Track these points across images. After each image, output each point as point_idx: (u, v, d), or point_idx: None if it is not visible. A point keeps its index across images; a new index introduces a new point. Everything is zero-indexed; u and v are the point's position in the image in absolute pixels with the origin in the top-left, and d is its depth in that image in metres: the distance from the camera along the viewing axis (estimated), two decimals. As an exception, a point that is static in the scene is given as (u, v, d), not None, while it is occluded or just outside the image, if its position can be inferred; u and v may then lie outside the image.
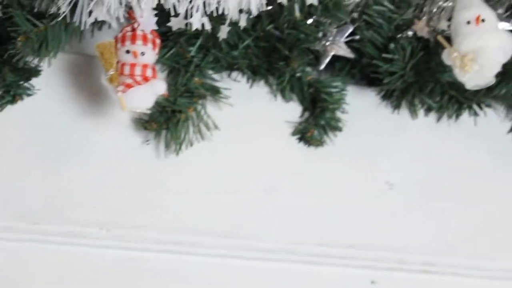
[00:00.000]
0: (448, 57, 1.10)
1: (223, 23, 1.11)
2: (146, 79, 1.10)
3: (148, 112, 1.15)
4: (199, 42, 1.16)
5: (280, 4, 1.11)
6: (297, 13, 1.13)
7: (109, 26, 1.12)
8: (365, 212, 1.20)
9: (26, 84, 1.15)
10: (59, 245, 1.15)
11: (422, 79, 1.18)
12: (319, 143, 1.20)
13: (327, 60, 1.18)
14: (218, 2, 1.07)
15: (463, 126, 1.22)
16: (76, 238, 1.15)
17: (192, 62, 1.17)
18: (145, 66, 1.09)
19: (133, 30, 1.10)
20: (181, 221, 1.17)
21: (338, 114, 1.19)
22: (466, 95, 1.19)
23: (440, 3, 1.17)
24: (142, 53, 1.09)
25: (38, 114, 1.17)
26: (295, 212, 1.19)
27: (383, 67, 1.16)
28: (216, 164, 1.19)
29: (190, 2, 1.07)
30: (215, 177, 1.18)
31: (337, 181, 1.20)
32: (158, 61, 1.14)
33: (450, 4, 1.16)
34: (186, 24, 1.09)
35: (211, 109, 1.19)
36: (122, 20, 1.10)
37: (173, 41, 1.17)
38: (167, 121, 1.16)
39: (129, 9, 1.10)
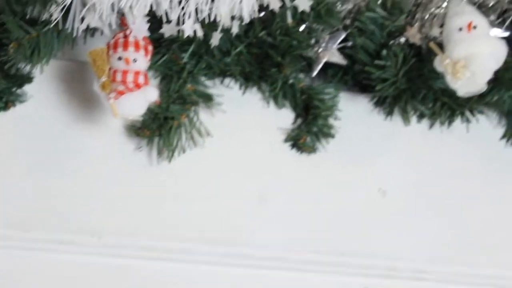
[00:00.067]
0: (440, 64, 1.10)
1: (216, 30, 1.11)
2: (138, 85, 1.09)
3: (141, 118, 1.15)
4: (191, 48, 1.16)
5: (272, 11, 1.11)
6: (289, 20, 1.13)
7: (102, 33, 1.12)
8: (357, 219, 1.20)
9: (18, 91, 1.15)
10: (50, 252, 1.15)
11: (414, 85, 1.18)
12: (311, 150, 1.20)
13: (320, 66, 1.18)
14: (210, 9, 1.08)
15: (455, 132, 1.22)
16: (68, 245, 1.15)
17: (185, 68, 1.17)
18: (137, 73, 1.09)
19: (125, 36, 1.10)
20: (173, 228, 1.17)
21: (331, 120, 1.19)
22: (459, 102, 1.19)
23: (432, 9, 1.17)
24: (134, 60, 1.09)
25: (31, 120, 1.16)
26: (288, 219, 1.19)
27: (375, 74, 1.16)
28: (209, 171, 1.18)
29: (182, 8, 1.08)
30: (207, 184, 1.18)
31: (329, 188, 1.20)
32: (150, 68, 1.14)
33: (442, 10, 1.16)
34: (179, 31, 1.10)
35: (203, 115, 1.19)
36: (114, 26, 1.11)
37: (165, 48, 1.16)
38: (159, 128, 1.16)
39: (121, 15, 1.10)
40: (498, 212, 1.23)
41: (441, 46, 1.12)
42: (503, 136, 1.23)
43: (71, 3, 1.07)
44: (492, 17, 1.17)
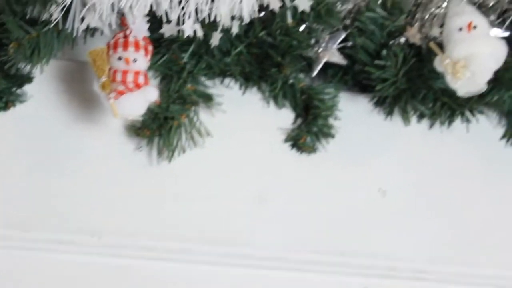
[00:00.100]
0: (440, 64, 1.10)
1: (216, 30, 1.11)
2: (138, 85, 1.09)
3: (141, 118, 1.15)
4: (191, 48, 1.16)
5: (272, 11, 1.11)
6: (289, 20, 1.13)
7: (102, 33, 1.12)
8: (357, 219, 1.20)
9: (18, 91, 1.15)
10: (50, 252, 1.15)
11: (414, 85, 1.18)
12: (311, 149, 1.20)
13: (320, 66, 1.18)
14: (210, 9, 1.08)
15: (455, 132, 1.22)
16: (68, 245, 1.15)
17: (185, 68, 1.17)
18: (137, 73, 1.09)
19: (125, 36, 1.10)
20: (173, 228, 1.17)
21: (331, 120, 1.19)
22: (459, 102, 1.19)
23: (432, 9, 1.17)
24: (134, 60, 1.09)
25: (31, 120, 1.16)
26: (287, 219, 1.19)
27: (375, 74, 1.16)
28: (209, 171, 1.18)
29: (182, 8, 1.08)
30: (207, 184, 1.18)
31: (329, 188, 1.20)
32: (150, 68, 1.14)
33: (442, 10, 1.16)
34: (179, 31, 1.10)
35: (203, 115, 1.19)
36: (114, 26, 1.11)
37: (165, 48, 1.16)
38: (159, 128, 1.16)
39: (121, 15, 1.10)
40: (498, 212, 1.23)
41: (441, 46, 1.11)
42: (503, 136, 1.23)
43: (71, 3, 1.07)
44: (492, 17, 1.17)
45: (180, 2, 1.07)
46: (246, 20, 1.09)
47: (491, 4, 1.16)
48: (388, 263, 1.20)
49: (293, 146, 1.20)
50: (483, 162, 1.23)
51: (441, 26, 1.13)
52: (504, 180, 1.24)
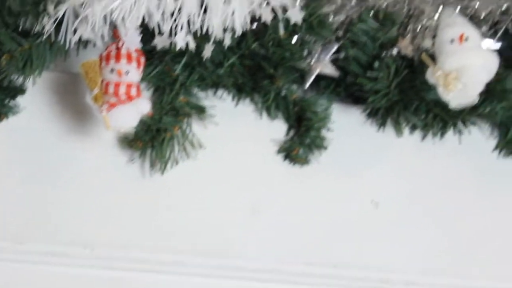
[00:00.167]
0: (432, 75, 1.10)
1: (208, 42, 1.11)
2: (130, 98, 1.09)
3: (133, 130, 1.15)
4: (184, 60, 1.16)
5: (264, 23, 1.11)
6: (282, 32, 1.13)
7: (94, 45, 1.12)
8: (350, 231, 1.20)
9: (11, 103, 1.15)
10: (43, 264, 1.15)
11: (406, 97, 1.18)
12: (304, 161, 1.20)
13: (312, 78, 1.18)
14: (202, 21, 1.08)
15: (448, 144, 1.22)
16: (60, 257, 1.15)
17: (178, 80, 1.17)
18: (129, 85, 1.09)
19: (118, 48, 1.10)
20: (165, 240, 1.16)
21: (323, 132, 1.19)
22: (451, 114, 1.18)
23: (424, 21, 1.17)
24: (127, 72, 1.09)
25: (23, 132, 1.16)
26: (280, 231, 1.19)
27: (367, 85, 1.16)
28: (202, 183, 1.18)
29: (175, 20, 1.08)
30: (200, 196, 1.18)
31: (322, 200, 1.20)
32: (143, 79, 1.14)
33: (434, 22, 1.16)
34: (171, 43, 1.10)
35: (196, 127, 1.19)
36: (106, 38, 1.11)
37: (158, 60, 1.17)
38: (152, 140, 1.16)
39: (113, 27, 1.10)
40: (491, 224, 1.23)
41: (433, 57, 1.11)
42: (496, 148, 1.23)
43: (63, 15, 1.08)
44: (484, 29, 1.17)
45: (172, 14, 1.07)
46: (239, 32, 1.10)
47: (482, 16, 1.17)
48: (380, 275, 1.20)
49: (285, 157, 1.20)
50: (475, 173, 1.23)
51: (433, 37, 1.13)
52: (496, 192, 1.24)
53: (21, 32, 1.10)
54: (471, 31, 1.10)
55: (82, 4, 1.07)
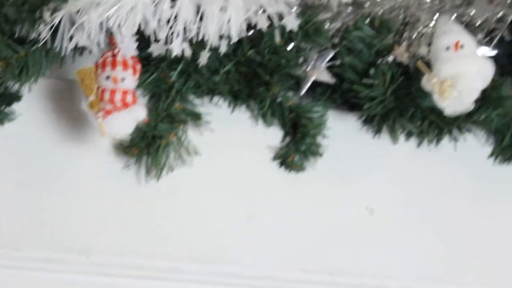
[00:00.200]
0: (428, 82, 1.10)
1: (204, 49, 1.11)
2: (126, 105, 1.09)
3: (129, 137, 1.15)
4: (180, 67, 1.16)
5: (260, 30, 1.12)
6: (278, 39, 1.13)
7: (90, 52, 1.13)
8: (345, 237, 1.20)
9: (7, 109, 1.15)
10: (39, 271, 1.15)
11: (402, 104, 1.18)
12: (300, 168, 1.20)
13: (308, 85, 1.18)
14: (198, 28, 1.08)
15: (443, 151, 1.22)
16: (56, 264, 1.15)
17: (173, 87, 1.17)
18: (125, 92, 1.09)
19: (114, 55, 1.10)
20: (161, 247, 1.16)
21: (319, 139, 1.19)
22: (447, 120, 1.18)
23: (420, 28, 1.17)
24: (122, 79, 1.09)
25: (19, 139, 1.16)
26: (276, 238, 1.19)
27: (363, 92, 1.16)
28: (197, 189, 1.18)
29: (171, 28, 1.08)
30: (196, 202, 1.18)
31: (318, 207, 1.20)
32: (139, 86, 1.15)
33: (430, 29, 1.16)
34: (167, 50, 1.10)
35: (192, 134, 1.19)
36: (102, 45, 1.11)
37: (154, 66, 1.17)
38: (148, 147, 1.16)
39: (109, 34, 1.10)
40: (486, 231, 1.23)
41: (429, 65, 1.12)
42: (491, 155, 1.23)
43: (59, 22, 1.08)
44: (480, 36, 1.17)
45: (168, 21, 1.08)
46: (234, 39, 1.10)
47: (478, 23, 1.17)
48: (376, 282, 1.20)
49: (281, 164, 1.20)
50: (471, 180, 1.23)
51: (429, 45, 1.13)
52: (492, 199, 1.24)
53: (17, 39, 1.10)
54: (466, 39, 1.10)
55: (78, 11, 1.07)
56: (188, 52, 1.10)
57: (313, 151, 1.19)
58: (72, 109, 1.16)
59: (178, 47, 1.09)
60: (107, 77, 1.09)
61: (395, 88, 1.17)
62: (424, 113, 1.19)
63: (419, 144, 1.23)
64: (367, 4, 1.17)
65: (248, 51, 1.16)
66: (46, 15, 1.06)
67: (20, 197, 1.15)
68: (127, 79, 1.10)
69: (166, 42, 1.09)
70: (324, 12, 1.16)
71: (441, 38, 1.11)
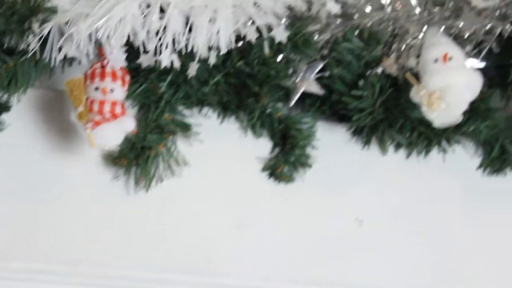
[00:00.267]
0: (416, 94, 1.10)
1: (193, 60, 1.11)
2: (115, 116, 1.09)
3: (118, 148, 1.15)
4: (169, 78, 1.16)
5: (249, 41, 1.12)
6: (267, 50, 1.13)
7: (79, 62, 1.13)
8: (335, 248, 1.20)
9: (-5, 120, 1.15)
10: (28, 282, 1.14)
11: (391, 115, 1.18)
12: (289, 179, 1.20)
13: (297, 96, 1.18)
14: (187, 40, 1.08)
15: (432, 162, 1.22)
16: (46, 275, 1.14)
17: (163, 98, 1.17)
18: (114, 103, 1.09)
19: (103, 67, 1.10)
20: (150, 258, 1.16)
21: (308, 150, 1.19)
22: (436, 132, 1.19)
23: (409, 40, 1.17)
24: (111, 90, 1.09)
25: (8, 149, 1.16)
26: (265, 249, 1.18)
27: (352, 104, 1.16)
28: (186, 200, 1.18)
29: (160, 39, 1.08)
30: (185, 213, 1.18)
31: (307, 218, 1.20)
32: (128, 97, 1.15)
33: (419, 41, 1.16)
34: (156, 61, 1.10)
35: (181, 145, 1.19)
36: (92, 56, 1.11)
37: (143, 77, 1.17)
38: (137, 157, 1.16)
39: (99, 45, 1.10)
40: (475, 242, 1.23)
41: (417, 76, 1.12)
42: (480, 166, 1.24)
43: (48, 33, 1.08)
44: (468, 48, 1.17)
45: (157, 33, 1.08)
46: (224, 50, 1.10)
47: (466, 36, 1.17)
48: (366, 293, 1.20)
49: (270, 175, 1.20)
50: (460, 191, 1.23)
51: (418, 57, 1.14)
52: (481, 210, 1.24)
53: (6, 50, 1.10)
54: (455, 51, 1.11)
55: (67, 23, 1.07)
56: (177, 63, 1.10)
57: (302, 162, 1.19)
58: (61, 120, 1.16)
59: (167, 58, 1.09)
60: (96, 88, 1.09)
61: (384, 99, 1.17)
62: (413, 125, 1.19)
63: (408, 155, 1.23)
64: (356, 16, 1.17)
65: (237, 63, 1.16)
66: (35, 26, 1.06)
67: (9, 208, 1.15)
68: (116, 90, 1.10)
69: (155, 53, 1.09)
70: (313, 23, 1.16)
71: (430, 50, 1.11)
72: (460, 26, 1.16)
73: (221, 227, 1.18)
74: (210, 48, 1.10)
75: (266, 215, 1.19)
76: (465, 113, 1.11)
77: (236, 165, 1.20)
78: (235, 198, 1.19)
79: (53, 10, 1.06)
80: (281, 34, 1.12)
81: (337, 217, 1.21)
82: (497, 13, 1.17)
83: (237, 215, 1.19)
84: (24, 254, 1.14)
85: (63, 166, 1.16)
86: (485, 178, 1.24)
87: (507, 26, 1.17)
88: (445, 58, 1.09)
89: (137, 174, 1.16)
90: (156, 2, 1.07)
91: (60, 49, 1.08)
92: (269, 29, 1.12)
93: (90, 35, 1.07)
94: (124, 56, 1.11)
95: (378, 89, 1.16)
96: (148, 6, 1.07)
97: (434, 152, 1.21)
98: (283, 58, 1.16)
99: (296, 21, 1.14)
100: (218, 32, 1.08)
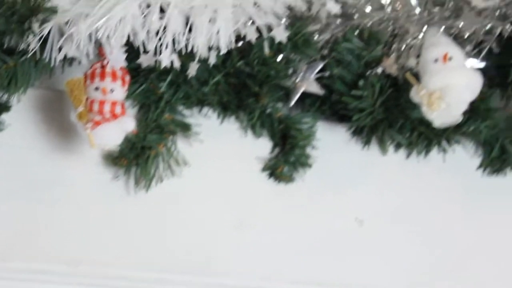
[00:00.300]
0: (416, 94, 1.10)
1: (193, 60, 1.11)
2: (115, 116, 1.09)
3: (118, 148, 1.15)
4: (169, 78, 1.16)
5: (249, 41, 1.12)
6: (267, 50, 1.13)
7: (79, 62, 1.13)
8: (334, 248, 1.20)
9: (-5, 120, 1.15)
10: (27, 282, 1.14)
11: (391, 115, 1.18)
12: (289, 179, 1.20)
13: (297, 96, 1.18)
14: (187, 40, 1.08)
15: (432, 162, 1.22)
16: (45, 275, 1.14)
17: (163, 98, 1.17)
18: (114, 103, 1.09)
19: (103, 67, 1.10)
20: (150, 258, 1.16)
21: (308, 150, 1.20)
22: (436, 132, 1.19)
23: (409, 40, 1.17)
24: (111, 90, 1.09)
25: (8, 149, 1.16)
26: (265, 249, 1.19)
27: (352, 104, 1.16)
28: (186, 200, 1.18)
29: (160, 39, 1.08)
30: (185, 213, 1.18)
31: (307, 218, 1.20)
32: (128, 97, 1.14)
33: (419, 41, 1.16)
34: (156, 61, 1.10)
35: (181, 145, 1.19)
36: (92, 56, 1.11)
37: (143, 77, 1.17)
38: (137, 157, 1.16)
39: (99, 45, 1.10)
40: (475, 242, 1.23)
41: (417, 76, 1.12)
42: (480, 166, 1.24)
43: (48, 33, 1.08)
44: (468, 48, 1.17)
45: (157, 33, 1.08)
46: (224, 50, 1.10)
47: (466, 36, 1.17)
48: (366, 293, 1.20)
49: (270, 175, 1.20)
50: (460, 191, 1.24)
51: (418, 57, 1.14)
52: (481, 209, 1.24)
53: (6, 50, 1.10)
54: (455, 51, 1.11)
55: (67, 23, 1.07)
56: (177, 63, 1.10)
57: (302, 162, 1.19)
58: (61, 120, 1.16)
59: (167, 58, 1.09)
60: (96, 88, 1.09)
61: (384, 99, 1.17)
62: (413, 125, 1.19)
63: (408, 155, 1.23)
64: (356, 16, 1.17)
65: (237, 63, 1.16)
66: (35, 26, 1.06)
67: (9, 208, 1.15)
68: (116, 90, 1.10)
69: (155, 53, 1.09)
70: (313, 23, 1.16)
71: (430, 50, 1.11)
72: (460, 26, 1.16)
73: (221, 227, 1.18)
74: (210, 48, 1.10)
75: (266, 215, 1.19)
76: (465, 113, 1.12)
77: (236, 165, 1.20)
78: (235, 198, 1.19)
79: (53, 10, 1.06)
80: (281, 34, 1.12)
81: (337, 217, 1.21)
82: (497, 13, 1.17)
83: (237, 215, 1.19)
84: (24, 254, 1.14)
85: (63, 166, 1.16)
86: (485, 178, 1.24)
87: (507, 26, 1.17)
88: (445, 58, 1.10)
89: (137, 174, 1.16)
90: (156, 2, 1.07)
91: (60, 49, 1.08)
92: (269, 29, 1.12)
93: (90, 35, 1.07)
94: (124, 56, 1.11)
95: (378, 89, 1.16)
96: (148, 6, 1.07)
97: (434, 152, 1.22)
98: (283, 58, 1.16)
99: (296, 21, 1.14)
100: (218, 32, 1.08)
